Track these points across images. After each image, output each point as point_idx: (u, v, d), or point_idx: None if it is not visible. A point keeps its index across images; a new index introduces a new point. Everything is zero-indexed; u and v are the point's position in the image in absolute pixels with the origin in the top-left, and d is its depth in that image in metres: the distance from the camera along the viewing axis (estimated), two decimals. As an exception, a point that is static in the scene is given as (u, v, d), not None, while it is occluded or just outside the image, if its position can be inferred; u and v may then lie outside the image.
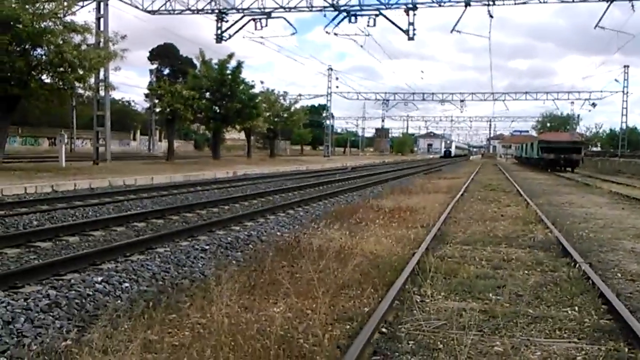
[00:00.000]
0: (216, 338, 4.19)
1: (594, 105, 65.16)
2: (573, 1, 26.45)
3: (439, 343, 4.48)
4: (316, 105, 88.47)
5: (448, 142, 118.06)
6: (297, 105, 55.65)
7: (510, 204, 15.40)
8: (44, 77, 21.58)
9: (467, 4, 26.84)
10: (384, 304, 5.08)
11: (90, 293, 5.52)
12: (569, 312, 5.39)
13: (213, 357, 3.85)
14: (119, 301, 5.42)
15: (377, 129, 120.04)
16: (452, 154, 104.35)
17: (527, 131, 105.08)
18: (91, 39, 23.10)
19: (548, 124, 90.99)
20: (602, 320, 5.14)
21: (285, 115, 52.56)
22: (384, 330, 4.73)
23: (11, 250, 7.69)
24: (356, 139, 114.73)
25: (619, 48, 40.64)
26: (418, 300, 5.55)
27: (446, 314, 5.16)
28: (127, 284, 5.96)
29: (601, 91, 65.01)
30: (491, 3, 26.67)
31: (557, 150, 41.48)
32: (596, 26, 28.00)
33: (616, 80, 61.01)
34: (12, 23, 19.24)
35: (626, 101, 60.62)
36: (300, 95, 59.42)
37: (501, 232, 10.21)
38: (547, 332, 4.84)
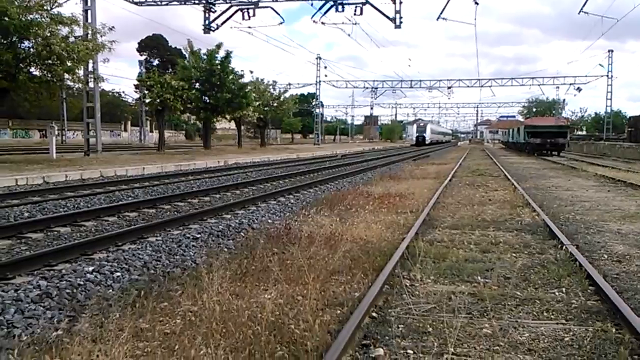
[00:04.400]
0: (207, 325, 4.22)
1: (579, 89, 65.74)
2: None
3: (428, 326, 4.53)
4: (305, 94, 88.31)
5: (421, 124, 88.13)
6: (287, 94, 55.48)
7: (497, 189, 15.50)
8: (32, 69, 21.45)
9: (453, -9, 26.86)
10: (374, 288, 5.12)
11: (82, 283, 5.53)
12: (557, 293, 5.45)
13: (204, 344, 3.87)
14: (110, 290, 5.43)
15: (366, 117, 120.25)
16: (428, 141, 79.87)
17: (514, 116, 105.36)
18: (79, 31, 22.92)
19: (534, 109, 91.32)
20: (590, 301, 5.21)
21: (275, 104, 52.35)
22: (374, 314, 4.77)
23: (2, 241, 7.71)
24: (345, 127, 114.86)
25: (603, 33, 40.87)
26: (408, 285, 5.61)
27: (435, 298, 5.22)
28: (118, 274, 5.97)
29: (586, 76, 65.70)
30: (477, -11, 26.68)
31: (543, 134, 41.87)
32: (580, 11, 28.19)
33: (600, 65, 61.45)
34: (-1, 16, 19.07)
35: (611, 85, 61.31)
36: (289, 84, 59.35)
37: (489, 216, 10.30)
38: (534, 314, 4.90)
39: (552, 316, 4.84)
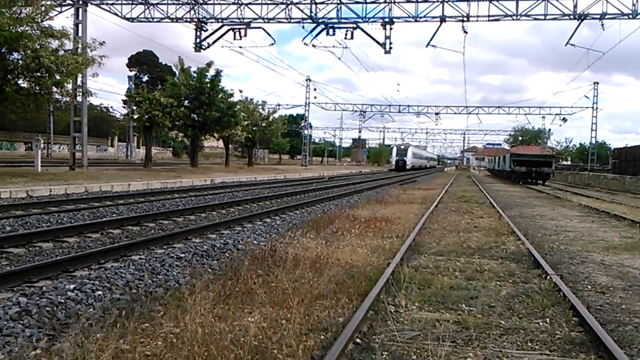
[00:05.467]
0: (189, 348, 4.16)
1: (564, 120, 66.62)
2: (545, 18, 26.90)
3: (412, 354, 4.50)
4: (294, 115, 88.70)
5: (402, 147, 79.48)
6: (276, 115, 55.67)
7: (483, 216, 15.57)
8: (20, 81, 21.32)
9: (443, 20, 27.25)
10: (358, 314, 5.09)
11: (62, 301, 5.44)
12: (541, 323, 5.45)
13: (186, 367, 3.82)
14: (91, 309, 5.35)
15: (354, 140, 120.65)
16: (409, 165, 73.37)
17: (500, 144, 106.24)
18: (69, 45, 22.91)
19: (520, 138, 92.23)
20: (574, 332, 5.21)
21: (264, 124, 52.54)
22: (358, 340, 4.73)
23: (-18, 256, 7.58)
24: (334, 149, 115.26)
25: (589, 66, 41.54)
26: (392, 311, 5.57)
27: (420, 325, 5.19)
28: (100, 292, 5.88)
29: (571, 107, 66.62)
30: (465, 19, 27.08)
31: (528, 163, 42.37)
32: (567, 44, 28.64)
33: (586, 96, 62.48)
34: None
35: (596, 117, 62.10)
36: (278, 104, 59.34)
37: (474, 243, 10.32)
38: (519, 343, 4.88)
39: (536, 346, 4.83)
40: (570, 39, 28.57)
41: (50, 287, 5.90)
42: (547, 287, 6.78)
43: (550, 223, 14.88)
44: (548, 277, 7.21)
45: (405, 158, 73.30)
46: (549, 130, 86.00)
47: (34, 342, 4.46)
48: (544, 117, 71.78)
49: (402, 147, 79.17)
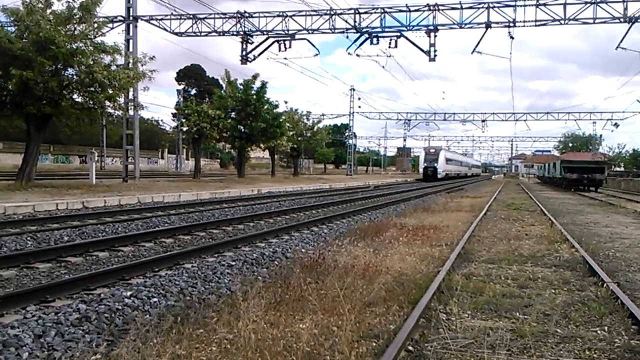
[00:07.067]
0: (243, 354, 4.22)
1: (616, 125, 64.73)
2: (594, 22, 26.22)
3: (466, 362, 4.45)
4: (339, 124, 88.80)
5: (432, 150, 65.11)
6: (320, 125, 55.93)
7: (534, 223, 15.26)
8: (75, 96, 22.02)
9: (488, 26, 26.87)
10: (409, 321, 5.06)
11: (120, 307, 5.59)
12: (599, 332, 5.31)
13: (240, 372, 3.88)
14: (147, 316, 5.48)
15: (398, 148, 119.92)
16: (441, 174, 60.93)
17: (549, 151, 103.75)
18: (120, 60, 23.56)
19: (570, 144, 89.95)
20: (633, 340, 5.05)
21: (309, 134, 52.87)
22: (410, 348, 4.71)
23: (42, 264, 7.89)
24: (378, 158, 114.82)
25: (641, 69, 40.12)
26: (444, 319, 5.52)
27: (473, 333, 5.12)
28: (155, 299, 6.03)
29: (623, 111, 64.68)
30: (512, 24, 26.65)
31: (580, 170, 41.44)
32: (617, 47, 27.79)
33: (638, 100, 60.34)
34: (47, 44, 19.72)
35: (648, 121, 59.91)
36: (323, 114, 59.48)
37: (526, 250, 10.12)
38: (576, 352, 4.77)
39: (595, 355, 4.71)
40: (620, 42, 27.77)
41: (108, 294, 6.06)
42: (603, 295, 6.60)
43: (604, 230, 14.45)
44: (604, 284, 7.01)
45: (435, 165, 60.92)
46: (600, 136, 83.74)
47: (94, 347, 4.61)
48: (594, 122, 70.07)
49: (432, 150, 65.17)
